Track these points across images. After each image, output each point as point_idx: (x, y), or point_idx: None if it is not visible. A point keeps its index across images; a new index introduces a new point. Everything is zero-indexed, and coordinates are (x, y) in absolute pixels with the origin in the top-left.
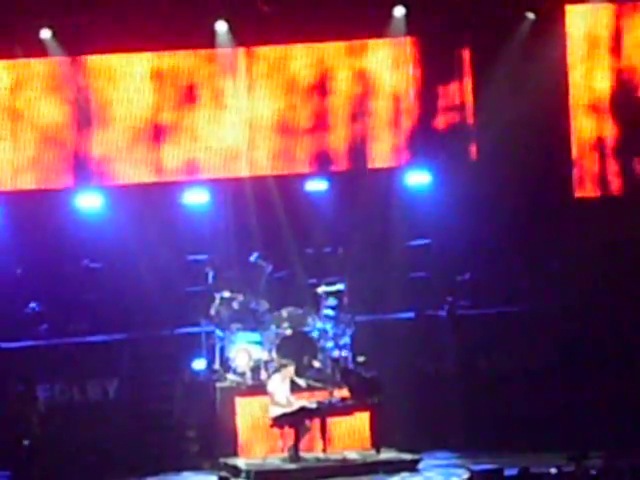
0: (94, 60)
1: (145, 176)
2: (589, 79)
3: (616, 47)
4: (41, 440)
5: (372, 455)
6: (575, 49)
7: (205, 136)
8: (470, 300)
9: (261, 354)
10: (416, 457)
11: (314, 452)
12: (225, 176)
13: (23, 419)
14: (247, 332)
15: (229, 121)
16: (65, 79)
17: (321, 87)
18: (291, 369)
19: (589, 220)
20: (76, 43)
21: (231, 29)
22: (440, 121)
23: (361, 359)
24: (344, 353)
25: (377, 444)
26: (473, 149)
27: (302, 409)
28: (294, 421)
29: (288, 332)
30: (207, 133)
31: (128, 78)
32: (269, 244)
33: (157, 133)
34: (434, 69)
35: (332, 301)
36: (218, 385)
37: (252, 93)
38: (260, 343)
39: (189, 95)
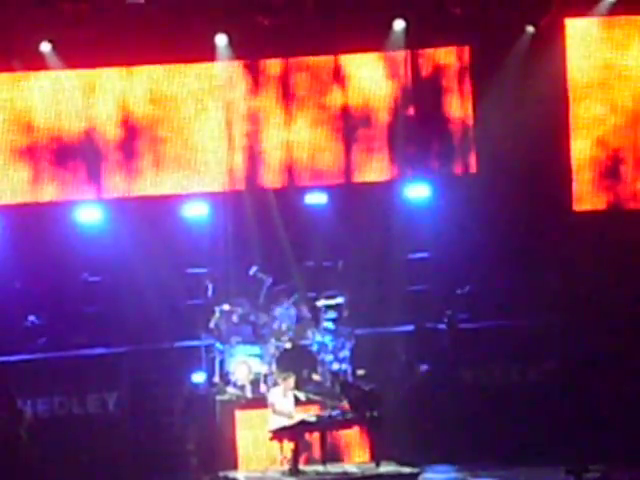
0: (94, 73)
1: (145, 189)
2: (589, 92)
3: (616, 60)
4: (38, 454)
5: (371, 468)
6: (575, 62)
7: (205, 149)
8: (469, 313)
9: (261, 367)
10: (415, 471)
11: (314, 465)
12: (225, 189)
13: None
14: (247, 345)
15: (228, 134)
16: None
17: (320, 100)
18: (291, 382)
19: (588, 234)
20: (76, 56)
21: (231, 42)
22: (439, 134)
23: (361, 372)
24: (344, 366)
25: (377, 457)
26: (472, 162)
27: (302, 422)
28: (294, 434)
29: (288, 345)
30: (206, 146)
31: (128, 91)
32: (268, 257)
33: (157, 146)
34: (433, 82)
35: (332, 314)
36: (218, 398)
37: (252, 106)
38: (260, 356)
39: (189, 108)
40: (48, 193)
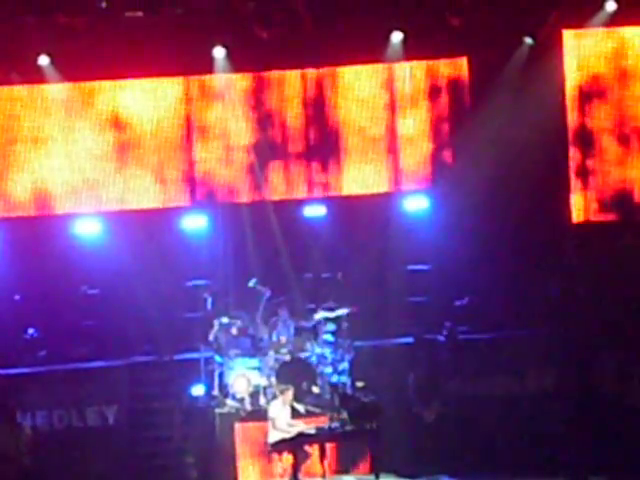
0: (91, 85)
1: (143, 202)
2: (587, 103)
3: (614, 71)
4: (37, 467)
5: None
6: (573, 73)
7: (202, 161)
8: (469, 325)
9: (260, 380)
10: None
11: (313, 478)
12: (222, 201)
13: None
14: (246, 358)
15: (227, 146)
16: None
17: (318, 112)
18: (290, 394)
19: (588, 245)
20: (74, 70)
21: (229, 55)
22: (438, 146)
23: (360, 384)
24: (343, 378)
25: (376, 469)
26: (471, 174)
27: (301, 435)
28: (293, 447)
29: (287, 358)
30: (204, 158)
31: (126, 103)
32: (267, 269)
33: (155, 158)
34: (431, 94)
35: (331, 326)
36: (217, 411)
37: (251, 118)
38: (259, 369)
39: (186, 120)
40: (47, 206)
